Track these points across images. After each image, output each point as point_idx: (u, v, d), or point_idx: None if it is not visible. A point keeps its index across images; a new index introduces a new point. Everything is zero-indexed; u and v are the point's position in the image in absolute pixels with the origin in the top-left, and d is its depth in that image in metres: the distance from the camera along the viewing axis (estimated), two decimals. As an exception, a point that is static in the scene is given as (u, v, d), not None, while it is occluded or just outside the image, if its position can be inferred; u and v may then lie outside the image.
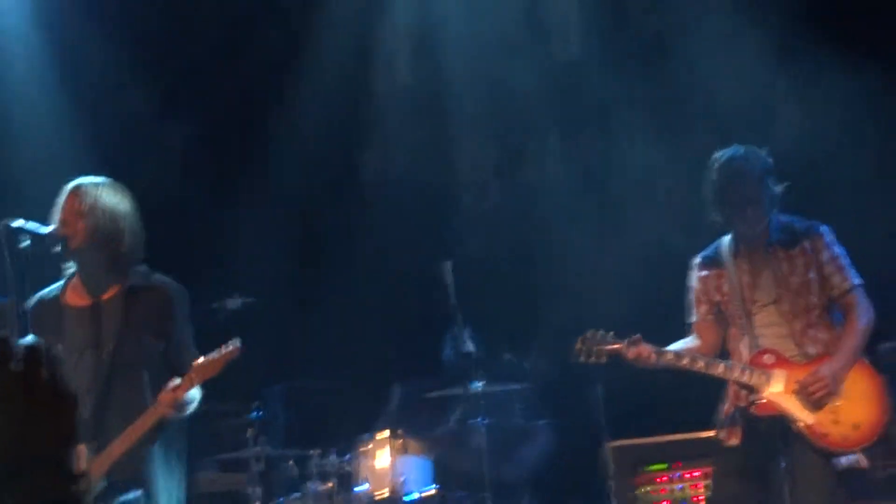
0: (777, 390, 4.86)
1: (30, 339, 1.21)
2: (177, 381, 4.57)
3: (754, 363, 4.92)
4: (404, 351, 7.76)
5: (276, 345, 7.51)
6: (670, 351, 5.01)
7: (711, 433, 5.79)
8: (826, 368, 4.83)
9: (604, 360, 5.06)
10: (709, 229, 5.20)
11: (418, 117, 8.44)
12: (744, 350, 5.01)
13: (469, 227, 8.28)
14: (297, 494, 6.77)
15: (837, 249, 5.03)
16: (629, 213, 7.81)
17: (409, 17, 8.38)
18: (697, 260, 5.27)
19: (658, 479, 6.18)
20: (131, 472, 4.57)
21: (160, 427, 4.65)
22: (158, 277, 4.87)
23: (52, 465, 1.30)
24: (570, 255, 7.83)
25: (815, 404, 4.81)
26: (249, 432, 6.83)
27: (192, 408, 4.75)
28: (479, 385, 6.59)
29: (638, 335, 5.01)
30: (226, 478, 7.61)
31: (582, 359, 5.10)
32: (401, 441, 6.69)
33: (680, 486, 6.13)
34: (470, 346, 6.61)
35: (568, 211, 8.07)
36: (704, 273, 5.21)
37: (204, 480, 7.56)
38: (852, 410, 4.83)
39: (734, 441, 5.01)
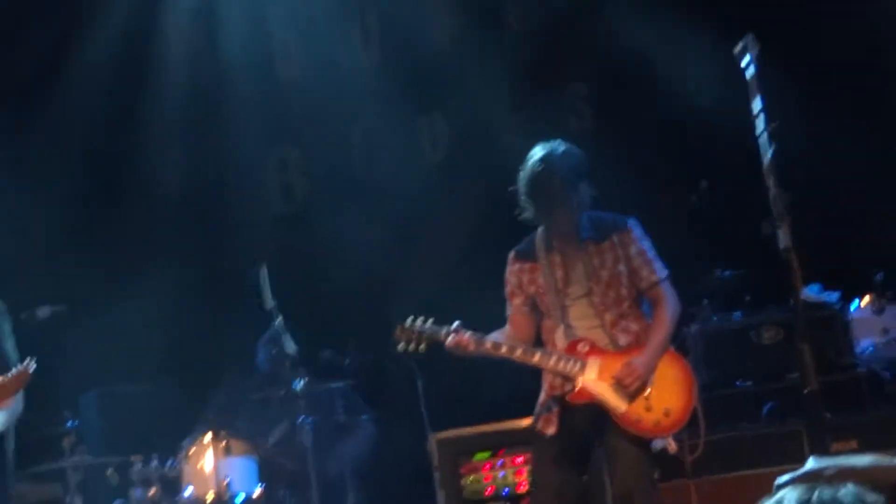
0: (591, 378, 4.95)
1: None
2: None
3: (569, 351, 5.00)
4: (223, 353, 7.68)
5: (90, 351, 7.36)
6: (489, 340, 5.03)
7: (527, 420, 5.94)
8: (638, 360, 4.94)
9: (424, 348, 5.08)
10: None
11: (213, 120, 8.43)
12: (559, 340, 5.08)
13: (278, 227, 8.34)
14: (119, 502, 6.66)
15: (644, 243, 5.14)
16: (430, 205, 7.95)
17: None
18: (512, 254, 5.31)
19: (483, 468, 6.23)
20: None
21: None
22: None
23: None
24: (379, 249, 7.91)
25: (629, 394, 4.92)
26: (66, 442, 6.70)
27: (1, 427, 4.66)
28: (300, 383, 6.58)
29: (458, 323, 5.02)
30: (42, 490, 7.41)
31: (402, 346, 5.10)
32: (224, 442, 6.60)
33: (503, 472, 6.20)
34: (290, 346, 6.59)
35: (370, 204, 8.15)
36: (519, 266, 5.25)
37: (18, 494, 7.37)
38: (663, 398, 4.97)
39: (551, 430, 5.07)
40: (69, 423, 6.75)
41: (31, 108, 8.24)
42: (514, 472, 6.21)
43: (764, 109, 4.16)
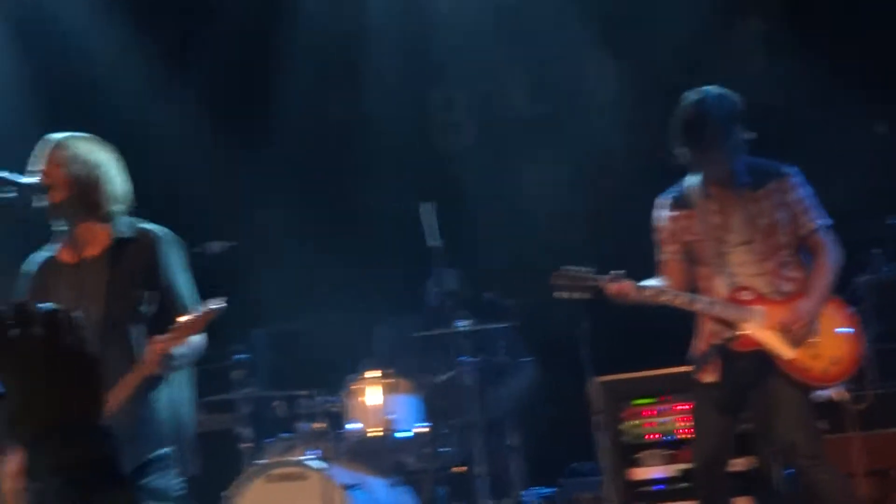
0: (756, 325, 4.94)
1: (49, 304, 1.18)
2: (156, 339, 4.48)
3: (733, 299, 5.00)
4: (389, 291, 7.76)
5: (260, 287, 7.53)
6: (651, 287, 5.08)
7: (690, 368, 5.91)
8: (803, 305, 4.93)
9: (586, 295, 5.14)
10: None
11: (395, 59, 8.41)
12: (719, 288, 5.06)
13: (449, 167, 8.33)
14: (287, 434, 6.81)
15: (804, 191, 5.10)
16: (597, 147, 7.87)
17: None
18: (665, 200, 5.29)
19: (645, 413, 6.24)
20: (132, 429, 4.45)
21: (151, 385, 4.57)
22: (143, 227, 4.77)
23: (82, 427, 1.29)
24: (549, 193, 7.89)
25: (795, 340, 4.90)
26: (236, 374, 6.91)
27: (184, 361, 4.68)
28: (464, 324, 6.66)
29: (621, 271, 5.06)
30: (213, 419, 7.62)
31: (563, 294, 5.16)
32: (391, 380, 6.74)
33: (666, 419, 6.20)
34: (454, 286, 6.65)
35: (543, 148, 8.13)
36: (674, 213, 5.22)
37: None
38: (830, 346, 4.95)
39: (711, 378, 5.09)
40: (240, 357, 6.95)
41: (197, 50, 8.41)
42: (676, 419, 6.19)
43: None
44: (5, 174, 4.47)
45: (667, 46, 7.70)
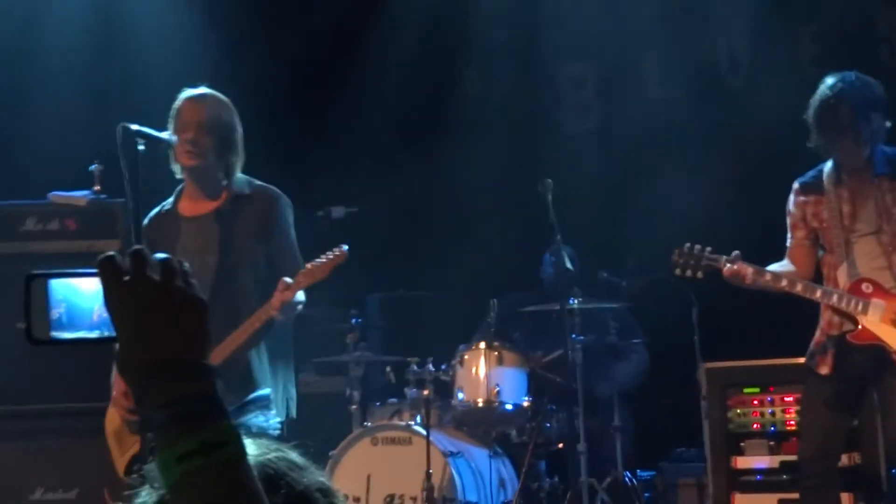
0: (875, 319, 4.89)
1: (163, 254, 1.24)
2: (288, 280, 4.68)
3: (853, 291, 4.94)
4: (503, 266, 7.78)
5: (377, 254, 7.61)
6: (769, 271, 5.02)
7: (801, 359, 5.84)
8: None
9: (700, 275, 5.12)
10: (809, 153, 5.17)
11: (520, 38, 8.43)
12: (841, 277, 5.00)
13: (570, 147, 8.30)
14: (394, 400, 6.92)
15: None
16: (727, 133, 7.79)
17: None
18: (797, 185, 5.25)
19: (751, 402, 6.20)
20: (239, 372, 4.73)
21: (267, 328, 4.79)
22: (260, 185, 4.99)
23: (195, 368, 1.34)
24: (667, 177, 7.84)
25: None
26: (349, 338, 7.00)
27: (298, 310, 4.89)
28: (575, 302, 6.66)
29: (737, 252, 5.04)
30: (324, 381, 7.77)
31: (678, 272, 5.18)
32: (497, 353, 6.75)
33: (772, 410, 6.15)
34: (569, 264, 6.65)
35: (664, 132, 8.09)
36: (803, 199, 5.19)
37: (304, 382, 7.74)
38: None
39: (825, 369, 5.04)
40: (354, 321, 7.03)
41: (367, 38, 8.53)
42: (783, 410, 6.15)
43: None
44: (138, 127, 4.61)
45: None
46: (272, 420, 4.70)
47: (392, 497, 6.28)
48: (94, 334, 1.45)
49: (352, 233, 6.29)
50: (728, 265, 5.00)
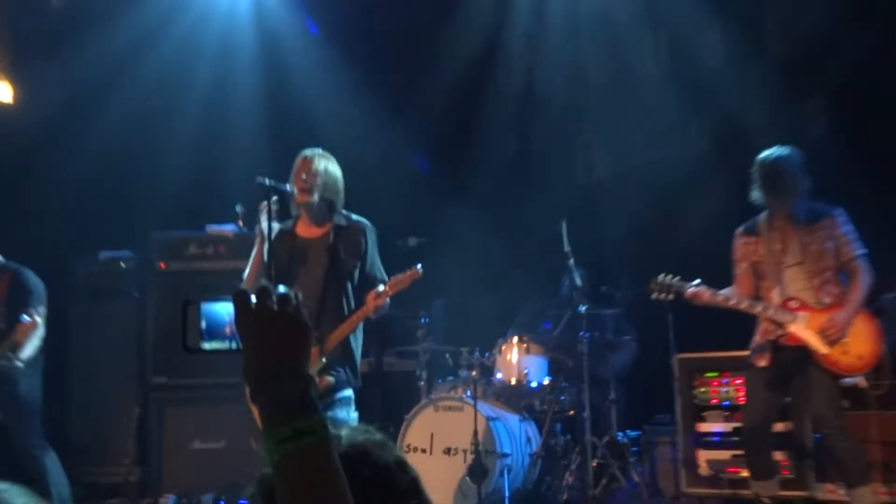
0: (801, 327, 4.98)
1: (282, 288, 1.29)
2: (380, 289, 4.76)
3: (783, 306, 5.04)
4: (534, 282, 7.82)
5: (441, 271, 7.70)
6: (721, 294, 5.11)
7: (748, 352, 5.89)
8: (838, 315, 4.94)
9: (671, 297, 5.22)
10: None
11: (537, 109, 8.51)
12: (775, 297, 5.09)
13: (581, 193, 8.41)
14: (451, 378, 7.02)
15: (847, 227, 5.08)
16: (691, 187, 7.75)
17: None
18: (740, 231, 5.33)
19: (711, 383, 6.28)
20: (341, 354, 4.84)
21: (365, 319, 4.89)
22: (356, 218, 5.06)
23: (295, 374, 1.35)
24: (650, 215, 7.89)
25: (830, 340, 4.92)
26: (420, 332, 7.11)
27: (385, 311, 4.97)
28: (583, 308, 6.69)
29: (699, 280, 5.14)
30: (402, 363, 7.90)
31: (654, 296, 5.26)
32: (526, 345, 6.84)
33: (726, 389, 6.23)
34: (578, 281, 6.71)
35: (646, 181, 8.12)
36: (745, 240, 5.28)
37: (387, 363, 7.91)
38: (857, 346, 4.95)
39: (763, 363, 5.13)
40: (423, 320, 7.12)
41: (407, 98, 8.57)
42: (735, 389, 6.22)
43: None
44: (270, 182, 4.76)
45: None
46: (353, 414, 4.74)
47: (449, 449, 6.31)
48: (226, 345, 1.56)
49: (422, 256, 6.44)
50: (690, 290, 5.13)
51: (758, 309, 5.11)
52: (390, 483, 1.40)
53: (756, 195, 5.15)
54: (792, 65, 7.69)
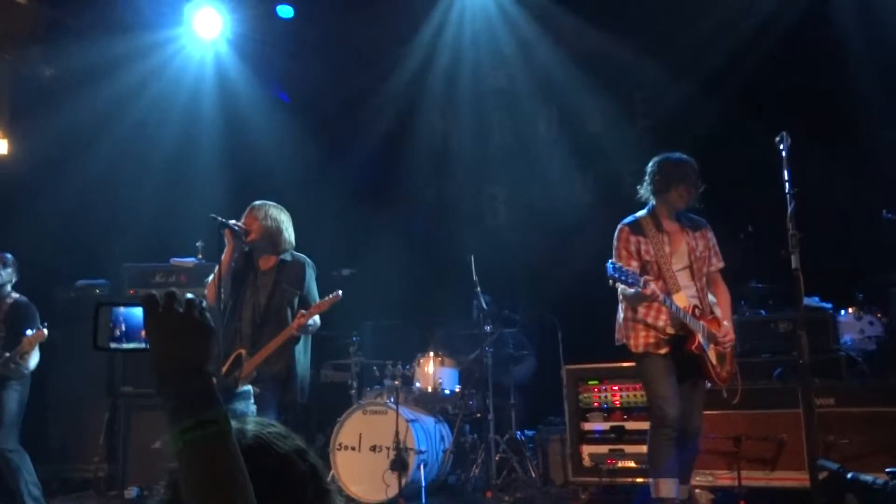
0: (702, 336, 4.37)
1: (189, 294, 1.16)
2: (302, 312, 4.64)
3: (691, 312, 4.35)
4: (448, 306, 7.64)
5: (369, 297, 7.56)
6: (651, 287, 4.19)
7: (623, 363, 5.74)
8: (729, 327, 4.48)
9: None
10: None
11: (453, 166, 8.42)
12: (679, 300, 4.34)
13: (487, 234, 8.29)
14: (378, 387, 6.80)
15: (714, 239, 4.61)
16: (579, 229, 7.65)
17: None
18: (626, 226, 4.47)
19: (593, 389, 6.12)
20: (278, 364, 4.65)
21: (294, 340, 4.73)
22: (298, 255, 4.94)
23: (198, 371, 1.25)
24: (543, 252, 7.80)
25: (721, 353, 4.47)
26: (351, 349, 6.95)
27: (312, 329, 4.79)
28: (488, 328, 6.60)
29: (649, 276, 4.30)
30: (337, 375, 7.70)
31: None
32: (440, 358, 6.71)
33: (606, 394, 6.08)
34: (484, 305, 6.60)
35: (542, 224, 8.03)
36: (634, 238, 4.43)
37: (324, 375, 7.68)
38: (728, 359, 4.56)
39: (664, 351, 4.39)
40: (354, 338, 6.97)
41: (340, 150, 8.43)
42: (612, 395, 6.08)
43: (789, 178, 4.03)
44: (221, 220, 4.62)
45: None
46: (251, 407, 4.50)
47: (375, 446, 6.14)
48: (132, 345, 1.40)
49: (354, 284, 6.27)
50: (647, 283, 4.19)
51: (673, 308, 4.29)
52: (291, 470, 1.30)
53: (648, 191, 4.45)
54: (656, 131, 7.72)
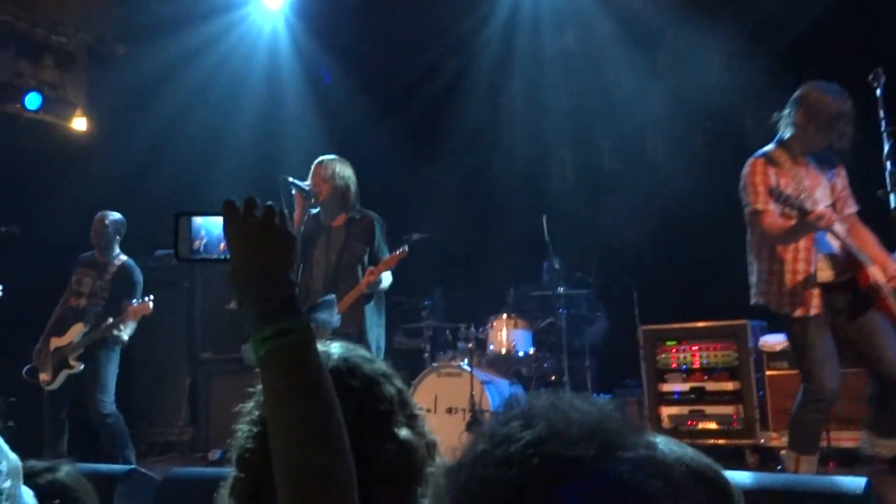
0: (875, 269, 3.81)
1: (269, 202, 1.12)
2: (371, 269, 4.62)
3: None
4: (519, 267, 7.51)
5: (442, 262, 7.50)
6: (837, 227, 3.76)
7: (701, 323, 5.57)
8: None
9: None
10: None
11: (528, 128, 8.27)
12: (840, 231, 3.81)
13: (557, 197, 8.10)
14: (451, 351, 6.79)
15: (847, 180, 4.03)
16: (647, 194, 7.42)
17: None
18: (758, 159, 3.93)
19: (671, 350, 5.95)
20: (350, 325, 4.60)
21: (365, 298, 4.69)
22: (366, 211, 4.91)
23: (278, 278, 1.20)
24: (621, 217, 7.60)
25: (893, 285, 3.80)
26: (423, 313, 6.95)
27: (383, 286, 4.76)
28: (561, 289, 6.51)
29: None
30: (410, 341, 7.68)
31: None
32: (513, 321, 6.64)
33: (684, 355, 5.90)
34: (557, 265, 6.52)
35: (610, 189, 7.84)
36: (772, 169, 3.88)
37: (397, 342, 7.67)
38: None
39: (814, 310, 3.82)
40: (426, 302, 6.99)
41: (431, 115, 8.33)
42: (691, 355, 5.89)
43: (885, 116, 3.75)
44: (292, 179, 4.67)
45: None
46: (335, 317, 4.45)
47: (450, 409, 6.13)
48: (214, 255, 1.35)
49: (426, 249, 6.21)
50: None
51: (846, 240, 3.76)
52: (378, 392, 1.25)
53: (788, 120, 3.89)
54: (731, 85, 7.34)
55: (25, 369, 5.77)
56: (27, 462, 1.62)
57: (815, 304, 3.83)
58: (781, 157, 3.94)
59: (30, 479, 1.57)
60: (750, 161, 3.99)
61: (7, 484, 1.34)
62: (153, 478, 2.81)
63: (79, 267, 5.96)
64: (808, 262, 3.88)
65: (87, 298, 5.78)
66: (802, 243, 3.86)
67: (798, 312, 3.86)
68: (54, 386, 5.67)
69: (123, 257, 5.98)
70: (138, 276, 5.92)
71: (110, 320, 5.63)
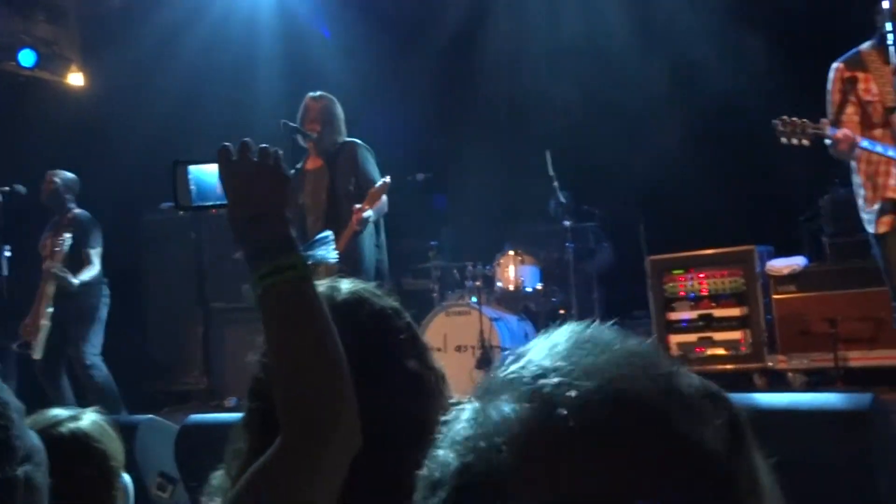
0: None
1: (264, 145, 1.12)
2: (357, 207, 4.53)
3: None
4: (526, 202, 7.38)
5: (447, 204, 7.47)
6: (867, 142, 3.48)
7: (708, 251, 5.56)
8: None
9: (806, 142, 3.49)
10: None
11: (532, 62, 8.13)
12: None
13: (562, 131, 7.96)
14: (459, 290, 6.79)
15: None
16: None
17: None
18: (839, 65, 3.62)
19: (678, 279, 5.96)
20: (347, 264, 4.42)
21: (360, 233, 4.60)
22: (348, 139, 4.86)
23: (275, 217, 1.22)
24: (617, 145, 7.47)
25: None
26: (430, 253, 6.86)
27: (374, 218, 4.65)
28: (568, 223, 6.46)
29: (825, 119, 3.54)
30: (418, 283, 7.68)
31: (784, 139, 3.48)
32: (520, 256, 6.61)
33: (691, 283, 5.91)
34: (563, 199, 6.47)
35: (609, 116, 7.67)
36: (850, 73, 3.57)
37: (404, 282, 7.67)
38: None
39: (885, 228, 3.60)
40: (432, 243, 6.90)
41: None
42: (698, 283, 5.90)
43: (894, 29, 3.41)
44: (289, 123, 4.70)
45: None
46: (331, 253, 4.30)
47: (460, 346, 6.16)
48: (211, 202, 1.34)
49: (428, 190, 6.18)
50: (837, 133, 3.43)
51: None
52: (388, 325, 1.25)
53: (888, 14, 3.39)
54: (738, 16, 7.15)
55: (16, 344, 5.62)
56: (51, 410, 1.64)
57: (884, 221, 3.59)
58: (871, 57, 3.56)
59: (52, 427, 1.58)
60: (833, 65, 3.67)
61: None
62: (172, 426, 2.86)
63: (45, 233, 5.86)
64: (888, 174, 3.57)
65: (51, 259, 5.66)
66: (875, 157, 3.54)
67: (878, 230, 3.61)
68: (38, 354, 5.52)
69: (77, 210, 5.85)
70: (89, 223, 5.76)
71: (54, 268, 5.46)
